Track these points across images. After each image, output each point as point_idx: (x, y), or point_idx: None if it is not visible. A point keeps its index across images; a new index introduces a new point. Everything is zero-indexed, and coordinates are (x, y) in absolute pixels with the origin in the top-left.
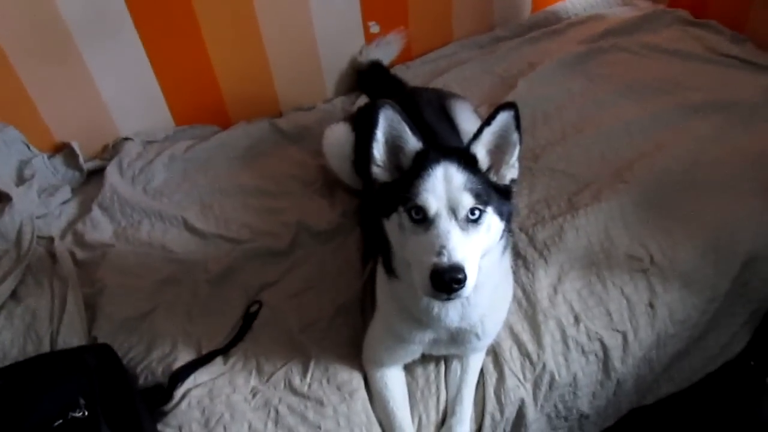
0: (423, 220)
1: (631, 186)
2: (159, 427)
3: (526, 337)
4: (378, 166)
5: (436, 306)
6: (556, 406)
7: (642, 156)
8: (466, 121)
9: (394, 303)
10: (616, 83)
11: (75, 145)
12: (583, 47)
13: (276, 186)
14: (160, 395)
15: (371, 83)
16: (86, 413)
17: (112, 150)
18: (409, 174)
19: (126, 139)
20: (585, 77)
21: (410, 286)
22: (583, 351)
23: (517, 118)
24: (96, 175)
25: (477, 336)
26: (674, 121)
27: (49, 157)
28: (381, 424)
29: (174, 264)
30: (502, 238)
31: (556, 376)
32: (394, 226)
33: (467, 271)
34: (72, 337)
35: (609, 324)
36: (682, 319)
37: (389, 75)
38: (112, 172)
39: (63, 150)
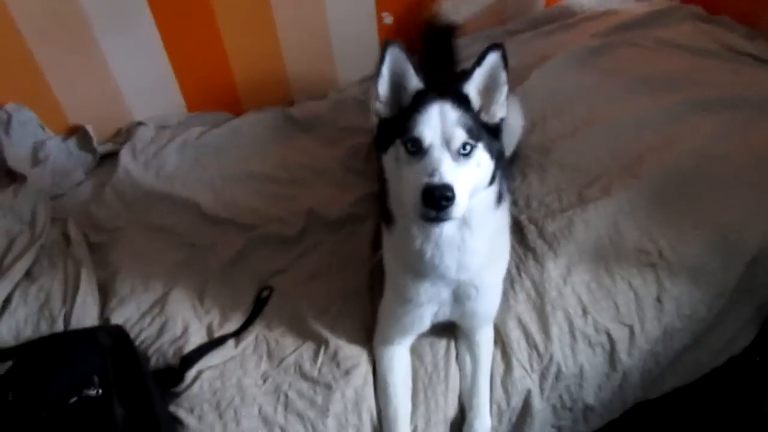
0: (418, 151)
1: (641, 180)
2: (171, 408)
3: (533, 327)
4: (380, 101)
5: (429, 249)
6: (561, 397)
7: (652, 151)
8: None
9: (395, 257)
10: (627, 78)
11: (89, 128)
12: (595, 41)
13: (287, 174)
14: (172, 377)
15: (432, 49)
16: (100, 391)
17: (125, 134)
18: (407, 110)
19: (139, 123)
20: (597, 71)
21: (404, 228)
22: (590, 343)
23: (504, 58)
24: (109, 158)
25: (476, 289)
26: (684, 117)
27: (63, 140)
28: (378, 409)
29: (186, 249)
30: (493, 182)
31: (563, 368)
32: (391, 159)
33: (456, 191)
34: (85, 317)
35: (616, 317)
36: (689, 314)
37: (451, 48)
38: (125, 156)
39: (77, 132)
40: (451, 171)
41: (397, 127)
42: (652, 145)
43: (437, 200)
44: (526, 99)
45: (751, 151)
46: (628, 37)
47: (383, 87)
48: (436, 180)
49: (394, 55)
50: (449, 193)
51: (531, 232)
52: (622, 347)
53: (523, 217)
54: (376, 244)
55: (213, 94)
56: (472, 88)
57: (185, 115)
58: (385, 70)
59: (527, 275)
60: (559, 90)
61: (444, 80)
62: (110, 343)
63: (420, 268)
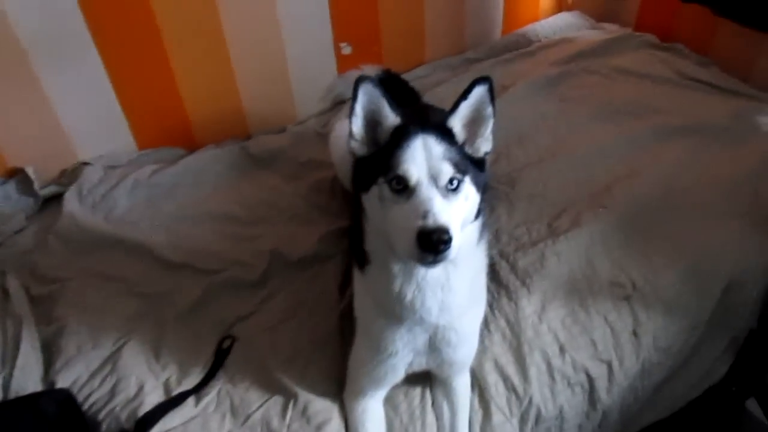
0: (404, 189)
1: (610, 211)
2: None
3: (511, 370)
4: (356, 140)
5: (410, 290)
6: None
7: (618, 180)
8: None
9: (368, 299)
10: (588, 106)
11: (30, 170)
12: (554, 69)
13: (247, 212)
14: None
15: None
16: None
17: (70, 175)
18: (387, 147)
19: (86, 163)
20: (557, 100)
21: (383, 269)
22: (569, 383)
23: (491, 92)
24: (53, 202)
25: (456, 333)
26: (647, 145)
27: (1, 183)
28: None
29: (139, 298)
30: (478, 217)
31: (543, 410)
32: (374, 198)
33: (452, 233)
34: (27, 382)
35: (594, 354)
36: (666, 347)
37: (405, 84)
38: (70, 199)
39: (16, 175)
40: (443, 210)
41: (378, 165)
42: (618, 175)
43: (435, 244)
44: (494, 123)
45: (715, 180)
46: (586, 65)
47: (358, 125)
48: (430, 223)
49: (367, 92)
50: (446, 236)
51: (503, 268)
52: (601, 385)
53: (494, 252)
54: (345, 285)
55: (165, 129)
56: (456, 122)
57: (135, 153)
58: (359, 108)
59: (501, 314)
60: (522, 119)
61: (414, 113)
62: (54, 412)
63: (398, 312)
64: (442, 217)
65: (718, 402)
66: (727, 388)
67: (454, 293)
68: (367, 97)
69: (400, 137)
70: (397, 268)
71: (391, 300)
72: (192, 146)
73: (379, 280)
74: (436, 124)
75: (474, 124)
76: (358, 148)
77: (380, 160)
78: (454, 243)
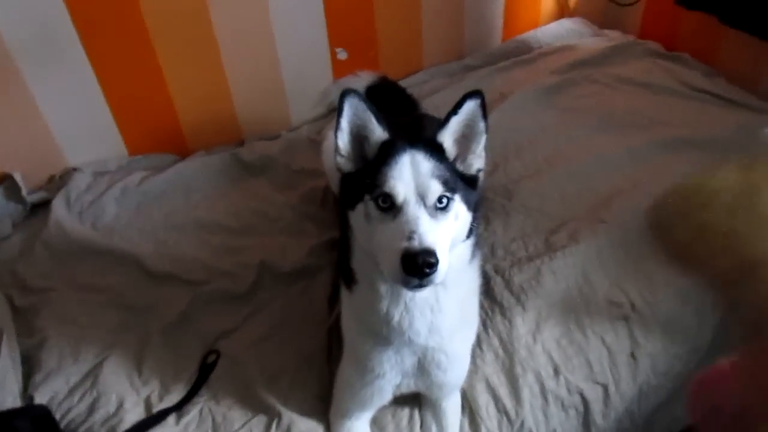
0: (390, 207)
1: (609, 226)
2: None
3: (503, 391)
4: (342, 156)
5: (398, 312)
6: None
7: (618, 193)
8: None
9: (355, 320)
10: (588, 116)
11: (17, 176)
12: (554, 78)
13: (237, 222)
14: None
15: (381, 99)
16: None
17: (58, 181)
18: (374, 163)
19: (74, 169)
20: (557, 109)
21: (369, 288)
22: (562, 405)
23: (483, 107)
24: (41, 208)
25: (446, 356)
26: (649, 157)
27: None
28: None
29: (123, 311)
30: (470, 236)
31: None
32: (360, 216)
33: (439, 255)
34: (5, 396)
35: (590, 376)
36: (665, 371)
37: (401, 92)
38: (58, 206)
39: (4, 181)
40: (430, 231)
41: (365, 181)
42: (618, 188)
43: (420, 267)
44: (487, 139)
45: None
46: (587, 74)
47: (344, 140)
48: (416, 245)
49: (353, 106)
50: (432, 259)
51: (497, 284)
52: (596, 408)
53: (488, 267)
54: (334, 298)
55: (156, 135)
56: (447, 137)
57: (125, 159)
58: (345, 123)
59: (494, 332)
60: (520, 129)
61: (407, 124)
62: (29, 430)
63: (385, 333)
64: (429, 238)
65: None
66: None
67: (444, 314)
68: (353, 110)
69: (387, 153)
70: (384, 288)
71: (378, 321)
72: (183, 152)
73: (365, 300)
74: (426, 139)
75: (465, 139)
76: (344, 163)
77: (367, 176)
78: (441, 266)
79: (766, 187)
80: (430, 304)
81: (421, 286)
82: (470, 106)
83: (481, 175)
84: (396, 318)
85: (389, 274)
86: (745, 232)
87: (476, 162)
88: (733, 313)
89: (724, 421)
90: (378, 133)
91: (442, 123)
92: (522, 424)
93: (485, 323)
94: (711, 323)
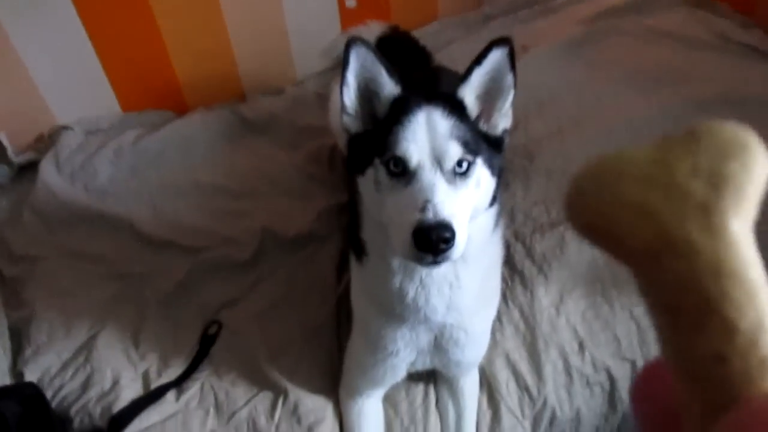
0: (403, 173)
1: None
2: None
3: (524, 367)
4: (349, 114)
5: (412, 288)
6: None
7: None
8: None
9: (365, 295)
10: (617, 71)
11: (2, 136)
12: (580, 29)
13: (239, 184)
14: None
15: (392, 51)
16: None
17: (48, 141)
18: (385, 122)
19: (64, 128)
20: (583, 64)
21: (381, 262)
22: (587, 382)
23: (511, 57)
24: (28, 170)
25: (465, 333)
26: (682, 117)
27: None
28: None
29: (118, 280)
30: (493, 204)
31: (558, 412)
32: (369, 182)
33: (456, 228)
34: None
35: (617, 351)
36: None
37: (414, 43)
38: (47, 168)
39: None
40: (447, 200)
41: (374, 143)
42: None
43: (433, 243)
44: (514, 95)
45: None
46: (615, 25)
47: (350, 96)
48: (430, 217)
49: (360, 57)
50: (448, 234)
51: (518, 251)
52: (623, 385)
53: (508, 233)
54: (343, 266)
55: (151, 90)
56: (468, 92)
57: (119, 116)
58: (351, 77)
59: (515, 304)
60: (543, 86)
61: (422, 79)
62: (17, 412)
63: (398, 311)
64: (445, 208)
65: None
66: None
67: (463, 291)
68: (360, 62)
69: (399, 111)
70: (397, 262)
71: (391, 297)
72: (181, 109)
73: (376, 275)
74: (444, 95)
75: (490, 95)
76: (352, 123)
77: (377, 137)
78: (459, 241)
79: (686, 157)
80: (449, 279)
81: (435, 263)
82: (496, 56)
83: (507, 136)
84: (411, 295)
85: (400, 249)
86: (660, 205)
87: (502, 121)
88: (647, 295)
89: (668, 421)
90: (389, 87)
91: (463, 76)
92: (544, 402)
93: (505, 294)
94: None
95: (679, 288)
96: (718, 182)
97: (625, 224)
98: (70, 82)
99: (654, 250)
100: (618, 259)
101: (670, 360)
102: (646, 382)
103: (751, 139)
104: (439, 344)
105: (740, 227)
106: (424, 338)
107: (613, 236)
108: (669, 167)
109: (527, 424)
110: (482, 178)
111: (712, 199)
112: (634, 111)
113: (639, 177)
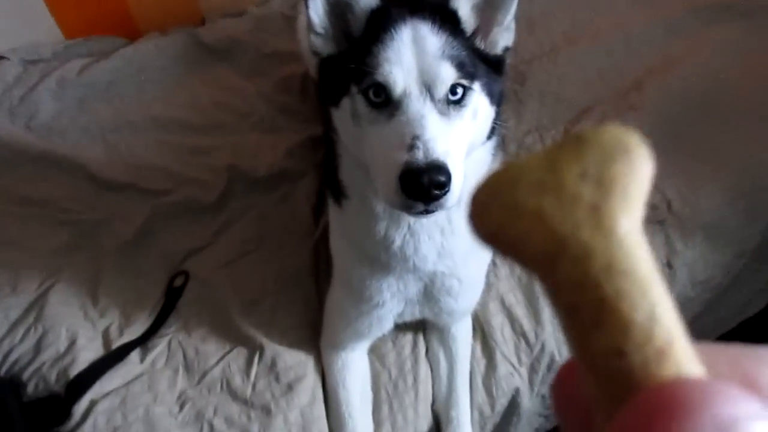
0: (386, 103)
1: (640, 113)
2: None
3: (520, 311)
4: (317, 33)
5: (399, 236)
6: None
7: (651, 74)
8: None
9: (346, 241)
10: None
11: None
12: None
13: (201, 118)
14: (55, 411)
15: None
16: None
17: None
18: (362, 41)
19: (0, 57)
20: None
21: (362, 206)
22: None
23: None
24: None
25: (458, 281)
26: (686, 30)
27: None
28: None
29: (70, 227)
30: (493, 135)
31: (557, 357)
32: (345, 115)
33: (451, 170)
34: None
35: None
36: (704, 280)
37: None
38: None
39: None
40: (440, 136)
41: (350, 68)
42: (650, 67)
43: (425, 189)
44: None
45: None
46: None
47: (318, 11)
48: (419, 157)
49: None
50: (442, 178)
51: None
52: None
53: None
54: (320, 207)
55: (97, 14)
56: (463, 2)
57: (62, 44)
58: None
59: None
60: (534, 0)
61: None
62: None
63: (384, 259)
64: (438, 146)
65: (748, 337)
66: (763, 322)
67: (457, 236)
68: None
69: (379, 26)
70: (381, 206)
71: (375, 245)
72: (132, 35)
73: (358, 220)
74: (433, 5)
75: (489, 4)
76: (321, 44)
77: (352, 60)
78: (454, 184)
79: (575, 162)
80: (440, 225)
81: (427, 212)
82: None
83: (509, 56)
84: (397, 242)
85: (384, 196)
86: (553, 210)
87: (503, 38)
88: (550, 298)
89: (586, 418)
90: None
91: None
92: (542, 347)
93: None
94: (759, 226)
95: (577, 288)
96: (605, 185)
97: (523, 231)
98: (4, 6)
99: (551, 254)
100: (522, 265)
101: (576, 358)
102: (562, 381)
103: (634, 140)
104: (430, 293)
105: (630, 226)
106: (413, 288)
107: (514, 244)
108: (559, 173)
109: (524, 371)
110: (480, 107)
111: (600, 201)
112: (633, 25)
113: (532, 184)
